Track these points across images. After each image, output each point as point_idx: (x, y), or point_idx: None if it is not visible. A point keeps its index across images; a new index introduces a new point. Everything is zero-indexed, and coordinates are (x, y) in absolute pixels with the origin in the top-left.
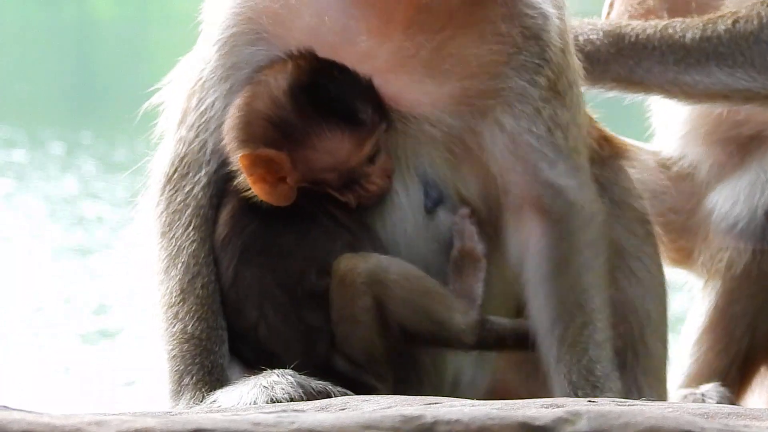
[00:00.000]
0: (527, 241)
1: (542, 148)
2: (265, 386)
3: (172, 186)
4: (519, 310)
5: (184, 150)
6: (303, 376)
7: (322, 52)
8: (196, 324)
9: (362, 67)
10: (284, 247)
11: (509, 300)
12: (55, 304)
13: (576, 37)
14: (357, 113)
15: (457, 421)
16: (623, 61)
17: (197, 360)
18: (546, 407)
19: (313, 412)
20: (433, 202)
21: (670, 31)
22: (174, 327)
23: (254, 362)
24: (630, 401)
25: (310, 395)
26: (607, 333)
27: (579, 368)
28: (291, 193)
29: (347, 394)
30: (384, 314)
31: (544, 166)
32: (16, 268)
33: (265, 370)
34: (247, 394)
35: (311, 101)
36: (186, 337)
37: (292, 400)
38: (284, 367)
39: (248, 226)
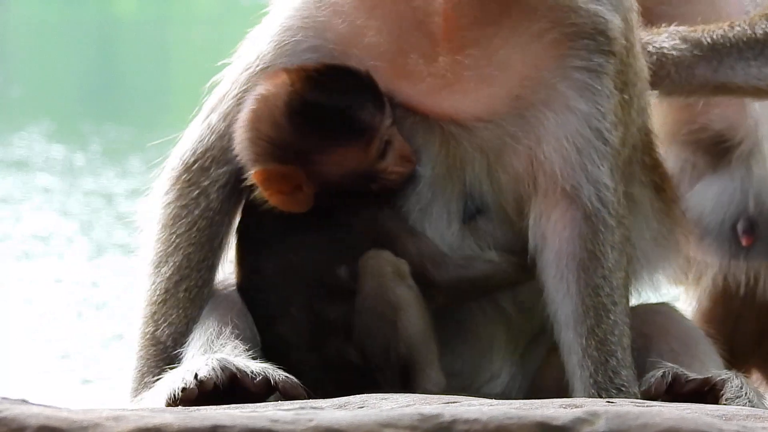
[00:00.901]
0: (554, 227)
1: (598, 145)
2: (172, 381)
3: (189, 177)
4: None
5: (211, 141)
6: (241, 358)
7: (383, 71)
8: (166, 329)
9: (419, 84)
10: (299, 239)
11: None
12: (97, 301)
13: (660, 47)
14: (355, 123)
15: (475, 420)
16: (706, 63)
17: (160, 365)
18: (564, 407)
19: (331, 409)
20: (471, 212)
21: (738, 29)
22: (147, 327)
23: (268, 350)
24: (648, 402)
25: (241, 378)
26: (630, 339)
27: (606, 369)
28: (309, 199)
29: (290, 379)
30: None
31: (595, 160)
32: (57, 265)
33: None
34: (157, 396)
35: (308, 122)
36: (153, 341)
37: (183, 391)
38: (297, 357)
39: (265, 217)
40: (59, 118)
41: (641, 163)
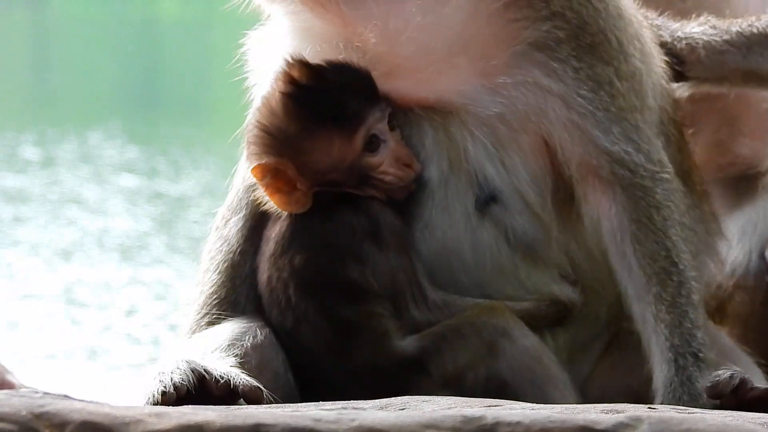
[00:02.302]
0: (597, 209)
1: (594, 112)
2: (148, 384)
3: (224, 222)
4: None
5: (234, 192)
6: (211, 360)
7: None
8: None
9: (387, 77)
10: (306, 243)
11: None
12: (177, 300)
13: (690, 33)
14: (337, 109)
15: (518, 423)
16: (735, 49)
17: None
18: (607, 412)
19: (373, 410)
20: (484, 199)
21: (765, 19)
22: None
23: (296, 360)
24: (690, 408)
25: (210, 381)
26: (701, 295)
27: (681, 331)
28: (305, 199)
29: (251, 385)
30: (489, 372)
31: (598, 133)
32: (128, 268)
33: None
34: (138, 395)
35: (296, 106)
36: None
37: (163, 395)
38: (324, 365)
39: (276, 229)
40: (102, 116)
41: (666, 137)
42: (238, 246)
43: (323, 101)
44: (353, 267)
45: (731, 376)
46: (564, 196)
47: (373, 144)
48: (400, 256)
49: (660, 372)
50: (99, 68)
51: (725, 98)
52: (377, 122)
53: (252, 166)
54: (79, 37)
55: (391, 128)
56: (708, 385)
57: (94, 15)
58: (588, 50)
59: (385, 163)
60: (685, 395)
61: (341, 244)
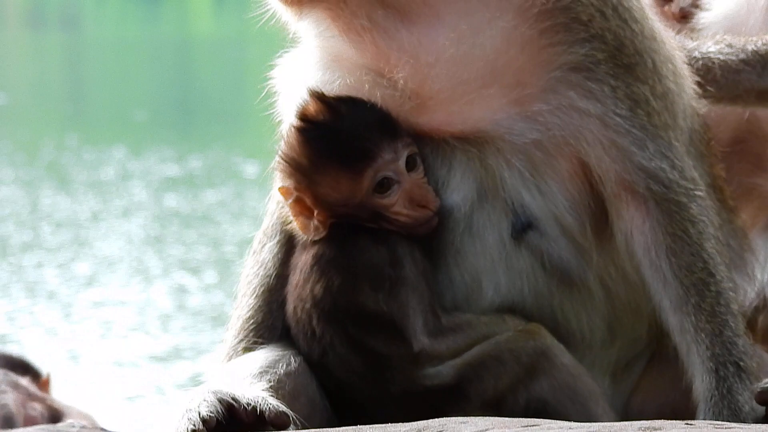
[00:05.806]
0: (631, 224)
1: (630, 130)
2: (178, 420)
3: (260, 247)
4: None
5: (266, 220)
6: (238, 386)
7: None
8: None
9: (407, 109)
10: (325, 272)
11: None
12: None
13: (706, 52)
14: (344, 149)
15: None
16: (751, 68)
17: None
18: (644, 429)
19: None
20: (520, 227)
21: None
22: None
23: (329, 388)
24: (728, 424)
25: (238, 409)
26: (738, 305)
27: (722, 340)
28: (323, 227)
29: (277, 410)
30: (530, 394)
31: (635, 149)
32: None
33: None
34: (167, 428)
35: (306, 141)
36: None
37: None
38: (357, 394)
39: (302, 258)
40: (136, 137)
41: (698, 154)
42: (275, 270)
43: (331, 139)
44: (369, 295)
45: None
46: (603, 219)
47: (383, 186)
48: (417, 284)
49: (701, 383)
50: (128, 88)
51: (746, 140)
52: (389, 164)
53: (278, 186)
54: (113, 60)
55: (411, 168)
56: (758, 390)
57: (127, 35)
58: (625, 70)
59: (398, 204)
60: (725, 409)
61: (358, 274)
